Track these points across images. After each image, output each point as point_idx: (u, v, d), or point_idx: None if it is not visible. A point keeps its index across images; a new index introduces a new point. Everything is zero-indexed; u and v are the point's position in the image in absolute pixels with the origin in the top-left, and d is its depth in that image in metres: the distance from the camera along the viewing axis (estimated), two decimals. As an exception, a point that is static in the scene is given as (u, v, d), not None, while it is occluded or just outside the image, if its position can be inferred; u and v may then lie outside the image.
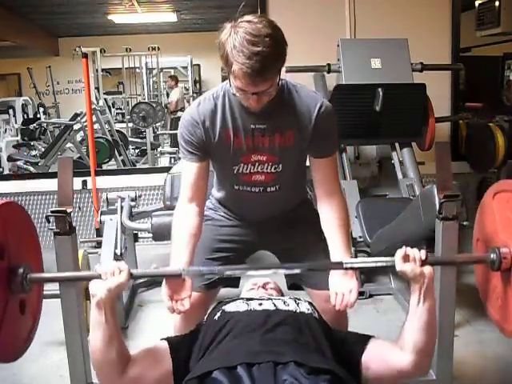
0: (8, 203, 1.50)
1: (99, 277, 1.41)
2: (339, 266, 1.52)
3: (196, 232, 1.67)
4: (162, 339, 1.51)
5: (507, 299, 1.52)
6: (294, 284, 1.90)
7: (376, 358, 1.44)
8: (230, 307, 1.50)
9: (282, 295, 1.79)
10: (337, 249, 1.63)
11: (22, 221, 1.57)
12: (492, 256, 1.51)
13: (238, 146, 1.64)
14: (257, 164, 1.68)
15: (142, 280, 3.34)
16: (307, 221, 1.82)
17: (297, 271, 1.63)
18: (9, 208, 1.50)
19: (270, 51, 1.39)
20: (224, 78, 1.70)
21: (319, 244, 1.73)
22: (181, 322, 1.77)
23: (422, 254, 1.43)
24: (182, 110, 7.87)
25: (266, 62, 1.40)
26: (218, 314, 1.48)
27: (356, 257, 3.18)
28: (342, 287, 1.56)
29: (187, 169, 1.69)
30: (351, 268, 1.52)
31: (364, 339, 1.48)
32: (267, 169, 1.68)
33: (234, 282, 1.90)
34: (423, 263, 1.42)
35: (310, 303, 1.57)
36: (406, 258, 1.42)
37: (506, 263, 1.48)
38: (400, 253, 1.43)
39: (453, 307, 1.69)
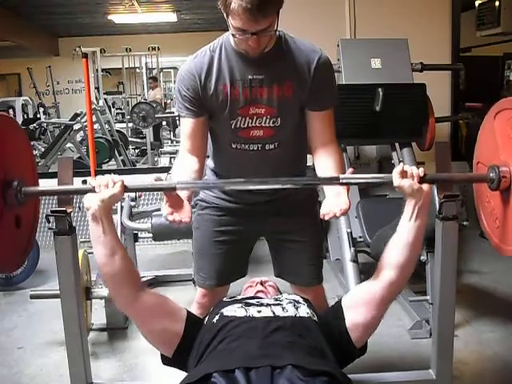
0: (2, 116, 1.48)
1: (93, 190, 1.41)
2: (336, 180, 1.49)
3: (195, 176, 1.66)
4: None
5: (506, 219, 1.50)
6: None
7: (355, 311, 1.43)
8: (228, 311, 1.48)
9: (280, 294, 1.79)
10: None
11: (16, 135, 1.55)
12: (491, 175, 1.49)
13: (235, 97, 1.63)
14: (255, 118, 1.66)
15: (142, 280, 3.34)
16: (307, 209, 1.81)
17: (289, 186, 1.60)
18: (3, 122, 1.48)
19: None
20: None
21: (316, 232, 1.72)
22: (197, 311, 1.80)
23: (420, 171, 1.42)
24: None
25: None
26: (217, 318, 1.47)
27: (356, 257, 3.18)
28: (333, 207, 1.53)
29: (185, 124, 1.69)
30: (348, 183, 1.50)
31: (337, 306, 1.48)
32: (265, 123, 1.66)
33: (243, 269, 1.91)
34: (421, 180, 1.41)
35: (309, 306, 1.56)
36: (403, 174, 1.41)
37: (505, 182, 1.46)
38: (398, 169, 1.41)
39: (453, 307, 1.69)
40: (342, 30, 4.03)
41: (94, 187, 1.42)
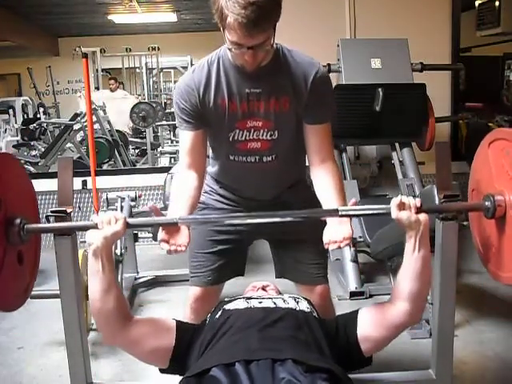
0: (3, 154, 1.50)
1: (96, 226, 1.42)
2: (335, 213, 1.50)
3: (195, 194, 1.67)
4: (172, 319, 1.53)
5: (501, 247, 1.52)
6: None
7: (370, 327, 1.46)
8: (230, 306, 1.51)
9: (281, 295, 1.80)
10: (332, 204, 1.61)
11: (17, 173, 1.57)
12: (487, 203, 1.52)
13: (233, 111, 1.64)
14: (252, 130, 1.66)
15: (142, 280, 3.35)
16: (305, 206, 1.81)
17: (289, 219, 1.59)
18: (4, 160, 1.50)
19: (265, 1, 1.40)
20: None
21: (317, 231, 1.73)
22: (190, 317, 1.80)
23: (417, 201, 1.44)
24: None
25: (261, 12, 1.39)
26: (219, 313, 1.49)
27: (356, 257, 3.18)
28: (335, 235, 1.54)
29: (184, 137, 1.69)
30: (347, 215, 1.51)
31: (353, 317, 1.50)
32: (263, 135, 1.67)
33: (239, 269, 1.91)
34: (418, 211, 1.43)
35: (309, 302, 1.57)
36: (401, 206, 1.43)
37: (501, 210, 1.49)
38: (395, 200, 1.43)
39: (453, 307, 1.69)
40: (341, 30, 4.03)
41: (96, 224, 1.43)
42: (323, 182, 1.69)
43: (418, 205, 1.44)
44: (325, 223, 1.61)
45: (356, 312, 1.51)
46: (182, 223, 1.51)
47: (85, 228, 1.48)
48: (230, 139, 1.68)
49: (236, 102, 1.63)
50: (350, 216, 1.54)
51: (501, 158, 1.54)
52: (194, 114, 1.65)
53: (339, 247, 1.54)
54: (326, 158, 1.70)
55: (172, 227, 1.53)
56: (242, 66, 1.57)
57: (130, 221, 1.47)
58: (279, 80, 1.62)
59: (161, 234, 1.52)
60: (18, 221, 1.47)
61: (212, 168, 1.85)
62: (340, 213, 1.50)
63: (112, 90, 8.03)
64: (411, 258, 1.44)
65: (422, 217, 1.43)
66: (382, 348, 1.50)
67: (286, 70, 1.63)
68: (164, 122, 7.30)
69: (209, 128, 1.70)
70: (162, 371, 1.51)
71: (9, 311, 1.49)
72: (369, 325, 1.47)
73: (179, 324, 1.51)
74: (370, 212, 1.58)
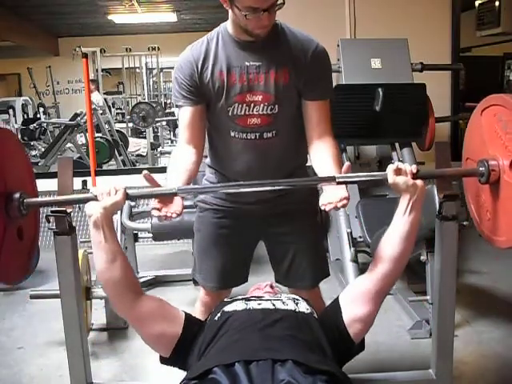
0: (2, 130, 1.51)
1: (95, 198, 1.42)
2: (331, 180, 1.51)
3: (192, 168, 1.67)
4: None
5: (496, 211, 1.55)
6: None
7: (352, 306, 1.45)
8: (229, 307, 1.50)
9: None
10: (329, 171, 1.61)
11: (15, 148, 1.58)
12: (481, 169, 1.54)
13: (232, 83, 1.64)
14: (252, 105, 1.66)
15: (142, 280, 3.34)
16: (308, 207, 1.81)
17: (285, 187, 1.62)
18: (2, 135, 1.51)
19: None
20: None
21: (316, 235, 1.72)
22: (201, 309, 1.83)
23: (413, 167, 1.46)
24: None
25: None
26: (219, 315, 1.49)
27: (356, 257, 3.18)
28: (332, 197, 1.53)
29: (182, 113, 1.70)
30: (344, 182, 1.52)
31: (335, 304, 1.49)
32: (263, 110, 1.67)
33: (243, 275, 1.91)
34: (414, 176, 1.45)
35: (308, 303, 1.57)
36: (397, 172, 1.45)
37: (495, 175, 1.52)
38: (392, 166, 1.45)
39: (453, 307, 1.69)
40: (341, 30, 4.03)
41: (96, 195, 1.43)
42: (320, 154, 1.69)
43: (414, 171, 1.46)
44: (320, 224, 1.60)
45: (337, 299, 1.51)
46: (181, 193, 1.50)
47: (84, 200, 1.47)
48: (230, 113, 1.68)
49: (235, 74, 1.64)
50: (347, 183, 1.53)
51: (494, 124, 1.56)
52: (192, 88, 1.66)
53: (336, 207, 1.51)
54: (324, 133, 1.70)
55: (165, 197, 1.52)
56: (255, 35, 1.57)
57: (130, 192, 1.46)
58: (279, 53, 1.64)
59: (154, 202, 1.51)
60: (17, 195, 1.47)
61: (210, 155, 1.85)
62: (337, 180, 1.50)
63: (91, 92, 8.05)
64: (401, 219, 1.45)
65: (419, 182, 1.45)
66: (369, 326, 1.47)
67: (285, 43, 1.65)
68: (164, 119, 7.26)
69: (208, 105, 1.70)
70: (163, 361, 1.50)
71: (11, 284, 1.51)
72: (351, 305, 1.46)
73: (187, 315, 1.51)
74: (367, 178, 1.59)
